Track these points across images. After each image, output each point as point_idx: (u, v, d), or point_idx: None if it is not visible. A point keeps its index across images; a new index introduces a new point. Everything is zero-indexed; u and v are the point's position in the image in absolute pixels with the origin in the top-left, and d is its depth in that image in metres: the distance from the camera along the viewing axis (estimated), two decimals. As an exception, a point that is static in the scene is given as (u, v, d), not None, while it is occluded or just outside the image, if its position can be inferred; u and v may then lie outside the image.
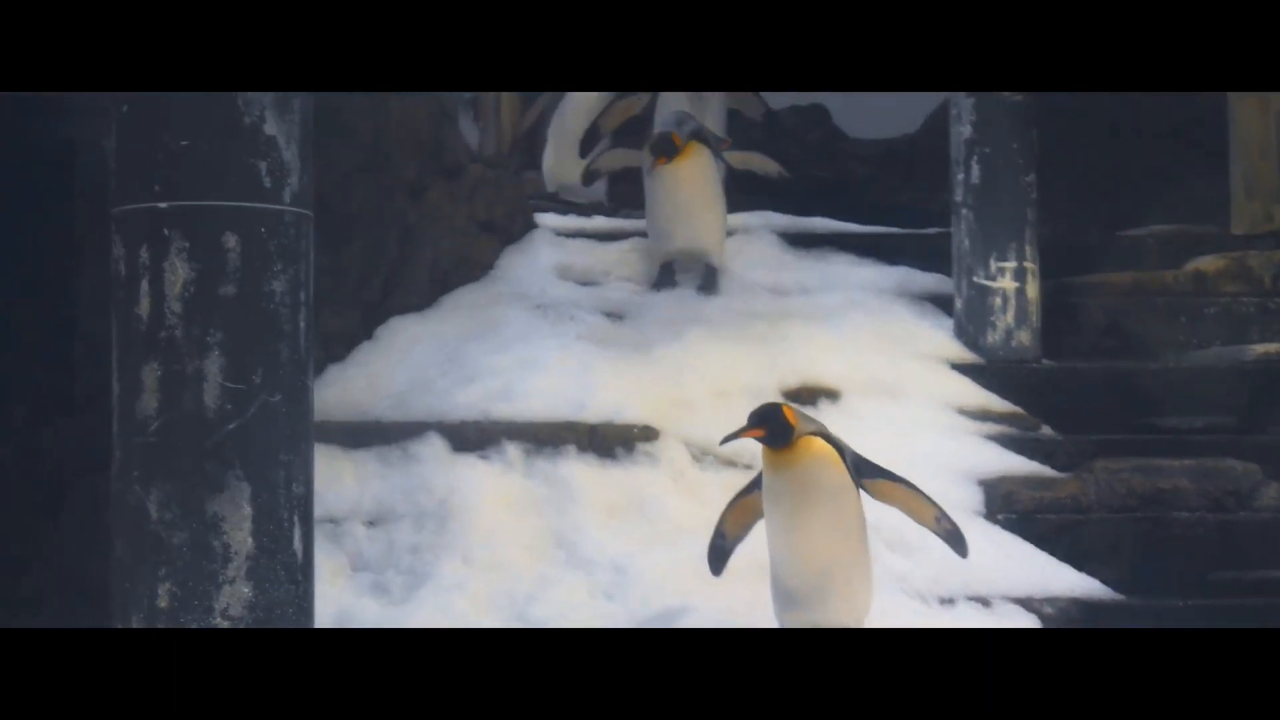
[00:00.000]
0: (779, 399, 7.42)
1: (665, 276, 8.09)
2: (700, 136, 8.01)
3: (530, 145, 9.76)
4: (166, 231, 3.87)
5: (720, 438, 7.08)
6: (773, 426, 5.77)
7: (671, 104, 8.83)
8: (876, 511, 6.75)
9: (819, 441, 5.77)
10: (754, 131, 9.69)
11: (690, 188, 7.98)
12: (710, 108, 9.16)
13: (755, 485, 5.93)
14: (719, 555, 6.03)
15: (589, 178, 8.52)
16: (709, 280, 7.92)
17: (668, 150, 7.85)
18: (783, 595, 5.83)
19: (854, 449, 5.87)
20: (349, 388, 7.09)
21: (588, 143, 9.02)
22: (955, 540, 5.91)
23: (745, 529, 6.02)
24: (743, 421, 7.15)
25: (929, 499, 5.88)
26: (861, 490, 5.84)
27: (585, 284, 8.17)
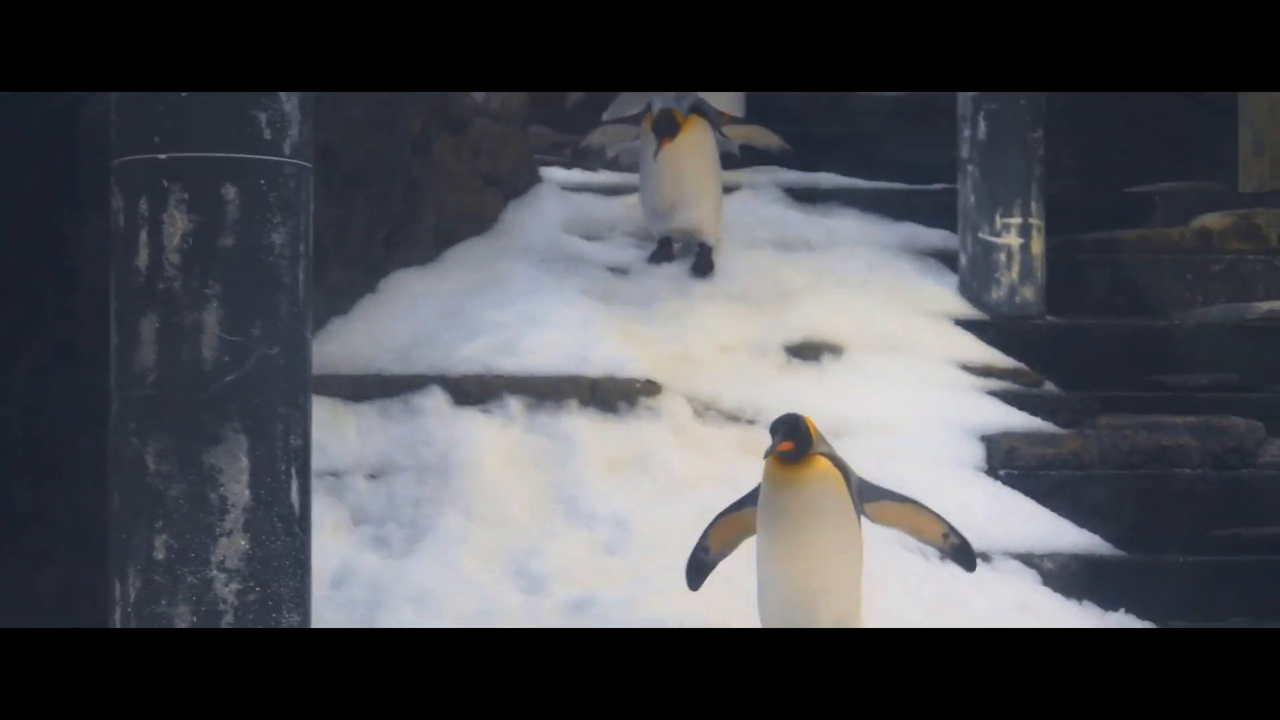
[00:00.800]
0: (783, 355, 7.45)
1: (663, 251, 7.93)
2: (700, 110, 7.84)
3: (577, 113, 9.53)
4: (166, 183, 3.88)
5: (723, 393, 7.16)
6: (800, 440, 5.42)
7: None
8: (880, 462, 6.82)
9: (825, 462, 5.47)
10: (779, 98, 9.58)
11: (690, 166, 7.80)
12: None
13: (746, 501, 5.63)
14: (700, 569, 5.72)
15: (579, 156, 8.33)
16: (702, 260, 7.78)
17: (670, 129, 7.65)
18: (768, 615, 5.57)
19: (859, 474, 5.61)
20: (352, 341, 7.09)
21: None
22: (963, 556, 5.69)
23: (731, 545, 5.71)
24: (750, 383, 7.21)
25: (936, 515, 5.64)
26: (864, 516, 5.60)
27: (590, 239, 8.15)
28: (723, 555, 5.69)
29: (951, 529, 5.60)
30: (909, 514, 5.62)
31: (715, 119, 7.85)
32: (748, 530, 5.60)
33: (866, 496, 5.53)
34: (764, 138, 8.23)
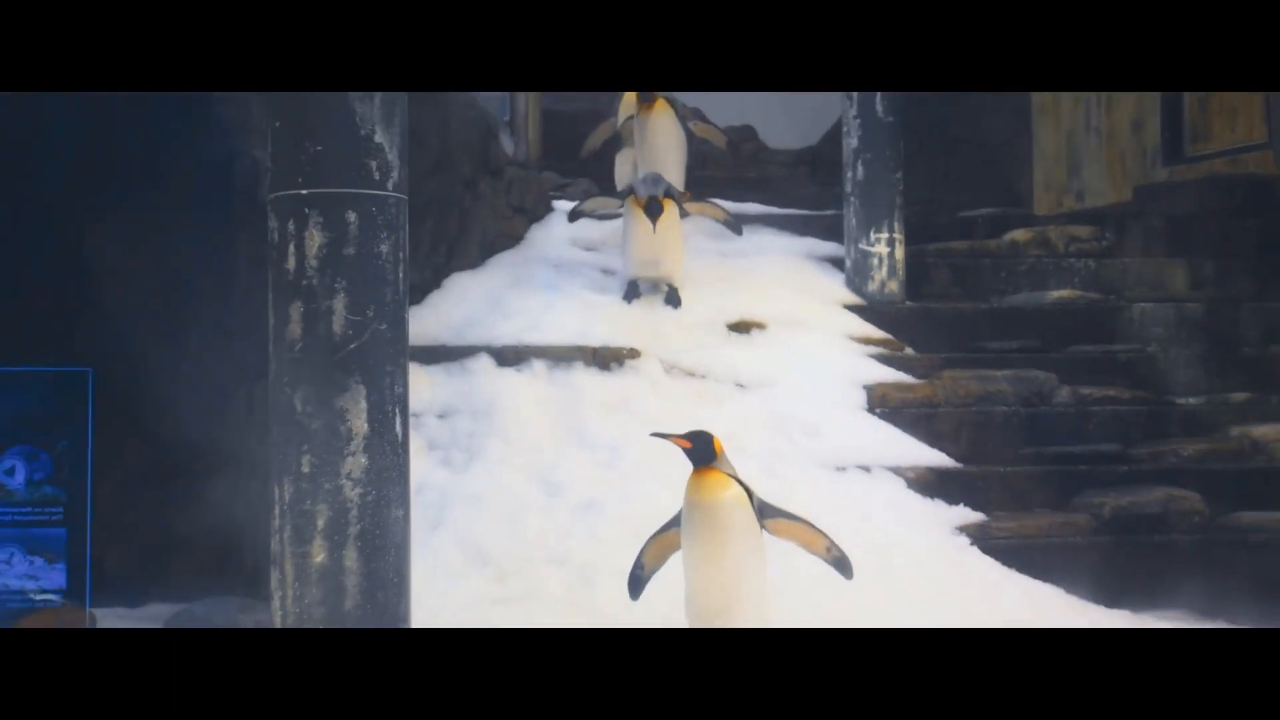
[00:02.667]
0: (725, 330, 7.40)
1: (633, 290, 7.55)
2: (669, 194, 7.54)
3: (598, 158, 9.08)
4: (307, 210, 3.86)
5: (684, 357, 7.10)
6: (699, 445, 4.92)
7: (658, 147, 8.17)
8: (796, 404, 6.82)
9: (735, 486, 4.89)
10: (715, 151, 9.42)
11: (661, 238, 7.45)
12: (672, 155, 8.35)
13: (673, 524, 5.03)
14: (637, 583, 5.07)
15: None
16: (672, 296, 7.53)
17: (658, 211, 7.35)
18: (693, 612, 4.94)
19: (760, 495, 5.00)
20: (424, 323, 7.08)
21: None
22: (843, 566, 4.99)
23: (662, 561, 5.07)
24: (702, 350, 7.15)
25: (820, 532, 4.97)
26: (764, 530, 4.98)
27: (589, 250, 8.14)
28: (655, 570, 5.09)
29: (833, 543, 4.97)
30: (799, 530, 4.99)
31: (679, 198, 7.66)
32: (674, 547, 5.01)
33: (766, 514, 4.95)
34: (715, 211, 8.03)
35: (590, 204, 8.01)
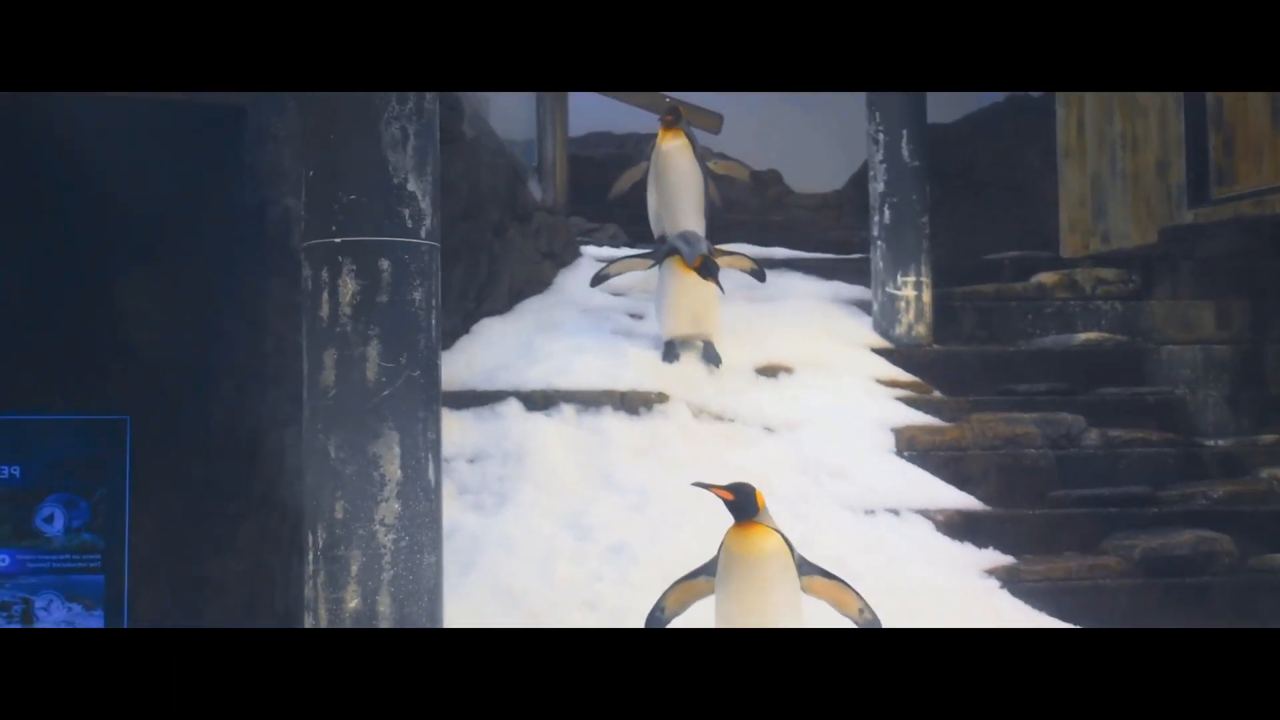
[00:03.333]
0: (753, 374, 7.37)
1: (671, 352, 7.37)
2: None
3: (625, 202, 8.89)
4: (340, 258, 3.91)
5: (712, 401, 7.08)
6: (741, 498, 4.82)
7: (672, 184, 7.99)
8: (824, 447, 6.81)
9: (778, 539, 4.79)
10: (738, 188, 9.39)
11: (704, 296, 7.33)
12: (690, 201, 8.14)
13: (700, 571, 4.91)
14: (655, 625, 4.98)
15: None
16: (710, 353, 7.38)
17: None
18: None
19: (800, 552, 4.88)
20: (454, 368, 7.08)
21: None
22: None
23: (684, 607, 4.95)
24: (730, 394, 7.12)
25: (855, 593, 4.85)
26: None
27: (617, 295, 8.13)
28: (676, 614, 4.96)
29: (866, 605, 4.84)
30: (834, 590, 4.87)
31: (713, 252, 7.50)
32: (699, 595, 4.89)
33: (803, 571, 4.83)
34: (744, 263, 7.86)
35: (615, 268, 7.85)
